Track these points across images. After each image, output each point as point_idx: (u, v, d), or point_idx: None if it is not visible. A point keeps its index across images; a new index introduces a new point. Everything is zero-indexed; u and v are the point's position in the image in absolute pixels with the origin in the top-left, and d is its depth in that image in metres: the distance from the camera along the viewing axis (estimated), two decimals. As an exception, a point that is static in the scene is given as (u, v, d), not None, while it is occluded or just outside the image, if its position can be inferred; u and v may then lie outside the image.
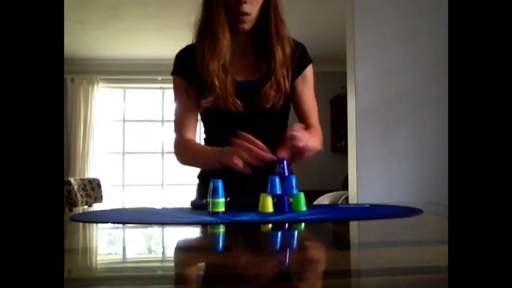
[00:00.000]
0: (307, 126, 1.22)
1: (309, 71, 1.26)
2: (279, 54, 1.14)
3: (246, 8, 1.11)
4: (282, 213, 0.89)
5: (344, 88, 3.46)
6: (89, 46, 4.93)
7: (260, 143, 0.96)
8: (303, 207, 0.93)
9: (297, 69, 1.21)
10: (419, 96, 2.45)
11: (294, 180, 0.93)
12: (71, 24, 4.18)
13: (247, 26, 1.14)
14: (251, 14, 1.13)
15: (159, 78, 5.37)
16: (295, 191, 0.93)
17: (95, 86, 5.39)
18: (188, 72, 1.19)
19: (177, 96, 1.25)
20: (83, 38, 4.63)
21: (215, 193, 0.89)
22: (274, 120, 1.23)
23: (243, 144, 0.97)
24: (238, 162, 0.95)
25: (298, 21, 4.22)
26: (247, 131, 1.20)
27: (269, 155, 0.95)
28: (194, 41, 1.19)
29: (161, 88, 5.56)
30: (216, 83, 1.13)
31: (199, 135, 1.33)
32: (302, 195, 0.94)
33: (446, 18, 1.40)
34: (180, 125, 1.24)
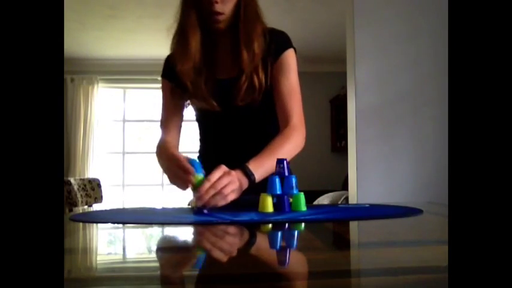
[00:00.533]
0: (284, 125, 1.15)
1: (287, 56, 1.18)
2: (244, 54, 1.12)
3: (218, 7, 1.10)
4: (282, 213, 0.89)
5: (344, 88, 3.46)
6: (89, 46, 4.92)
7: (184, 163, 0.97)
8: (303, 207, 0.93)
9: (274, 56, 1.17)
10: (419, 96, 2.45)
11: (294, 180, 0.93)
12: (71, 24, 4.18)
13: (222, 25, 1.14)
14: (224, 13, 1.12)
15: (159, 78, 5.35)
16: (295, 191, 0.93)
17: (95, 86, 5.38)
18: (173, 75, 1.21)
19: (163, 99, 1.29)
20: (83, 38, 4.63)
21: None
22: (256, 118, 1.22)
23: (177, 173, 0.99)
24: (181, 186, 1.00)
25: (298, 21, 4.22)
26: (228, 129, 1.23)
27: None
28: (172, 43, 1.20)
29: (161, 88, 5.55)
30: (189, 83, 1.15)
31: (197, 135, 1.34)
32: (302, 195, 0.94)
33: (446, 18, 1.40)
34: (162, 126, 1.27)
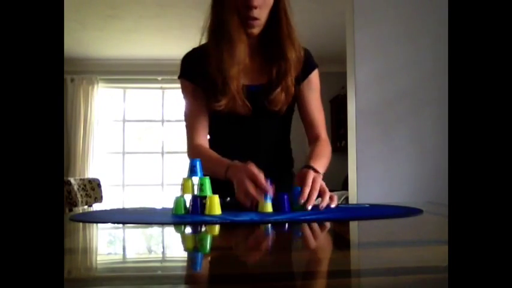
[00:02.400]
0: (315, 138, 1.23)
1: (315, 76, 1.27)
2: (292, 56, 1.15)
3: (255, 13, 1.11)
4: (282, 213, 0.89)
5: (344, 88, 3.45)
6: (89, 46, 4.93)
7: (263, 181, 0.92)
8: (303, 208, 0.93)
9: (303, 73, 1.21)
10: (419, 96, 2.45)
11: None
12: (71, 24, 4.18)
13: (256, 30, 1.15)
14: (260, 19, 1.13)
15: (159, 78, 5.37)
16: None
17: (95, 86, 5.39)
18: (196, 76, 1.19)
19: (186, 100, 1.25)
20: (83, 38, 4.63)
21: (192, 172, 0.93)
22: (277, 123, 1.25)
23: (249, 184, 0.93)
24: (246, 202, 0.93)
25: (298, 21, 4.20)
26: (250, 133, 1.22)
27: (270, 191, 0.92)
28: (209, 46, 1.16)
29: (161, 88, 5.56)
30: (233, 86, 1.13)
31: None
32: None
33: (446, 18, 1.40)
34: (191, 129, 1.23)
